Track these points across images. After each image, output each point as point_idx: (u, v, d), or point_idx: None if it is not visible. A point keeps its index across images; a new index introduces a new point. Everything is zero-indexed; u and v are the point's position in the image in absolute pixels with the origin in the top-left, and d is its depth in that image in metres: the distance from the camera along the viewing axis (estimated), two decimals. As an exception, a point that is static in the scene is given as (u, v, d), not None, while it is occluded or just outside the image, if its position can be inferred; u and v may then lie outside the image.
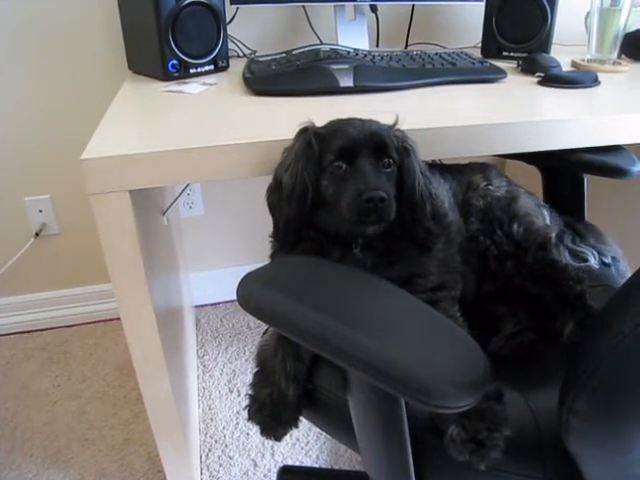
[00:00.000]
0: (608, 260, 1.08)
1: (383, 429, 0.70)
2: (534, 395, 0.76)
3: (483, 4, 1.46)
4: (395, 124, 0.85)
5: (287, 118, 0.93)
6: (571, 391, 0.58)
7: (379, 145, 0.79)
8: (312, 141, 0.80)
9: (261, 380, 0.87)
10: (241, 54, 1.54)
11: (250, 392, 0.89)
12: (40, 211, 1.78)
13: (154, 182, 0.84)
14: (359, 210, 0.74)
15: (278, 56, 1.28)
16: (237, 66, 1.34)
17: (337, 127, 0.81)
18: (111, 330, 1.93)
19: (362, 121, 0.81)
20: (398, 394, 0.56)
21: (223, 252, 1.99)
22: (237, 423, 1.55)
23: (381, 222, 0.78)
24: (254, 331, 1.91)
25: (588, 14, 1.44)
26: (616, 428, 0.56)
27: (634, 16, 1.39)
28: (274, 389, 0.84)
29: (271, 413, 0.84)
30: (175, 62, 1.28)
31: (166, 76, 1.28)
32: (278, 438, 0.86)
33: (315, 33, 1.57)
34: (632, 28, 1.44)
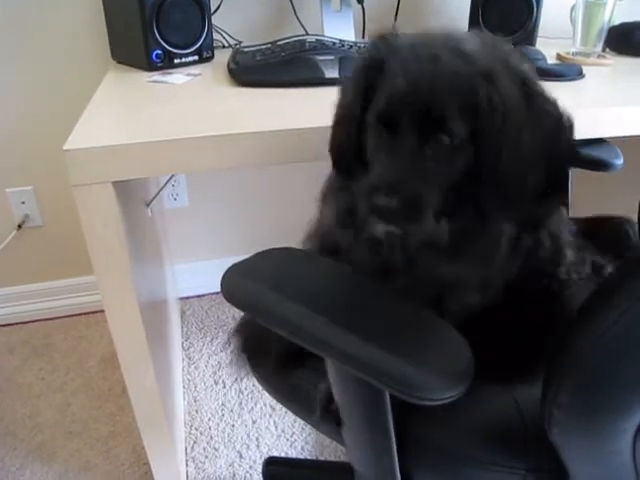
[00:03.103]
0: None
1: (367, 422, 0.70)
2: (520, 389, 0.77)
3: (469, -4, 1.46)
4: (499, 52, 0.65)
5: (272, 109, 0.92)
6: (554, 384, 0.59)
7: (432, 114, 0.60)
8: (360, 79, 0.67)
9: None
10: (226, 44, 1.53)
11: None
12: (23, 203, 1.76)
13: (138, 173, 0.83)
14: (367, 208, 0.62)
15: (263, 47, 1.27)
16: (222, 57, 1.33)
17: (403, 57, 0.64)
18: (95, 322, 1.91)
19: (443, 47, 0.62)
20: (381, 386, 0.56)
21: (208, 244, 1.98)
22: (222, 415, 1.54)
23: (401, 226, 0.64)
24: (239, 323, 1.90)
25: (573, 7, 1.44)
26: (599, 419, 0.57)
27: (618, 10, 1.40)
28: None
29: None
30: (159, 52, 1.26)
31: (150, 66, 1.26)
32: None
33: (301, 24, 1.56)
34: (616, 22, 1.45)
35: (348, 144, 0.70)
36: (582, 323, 0.57)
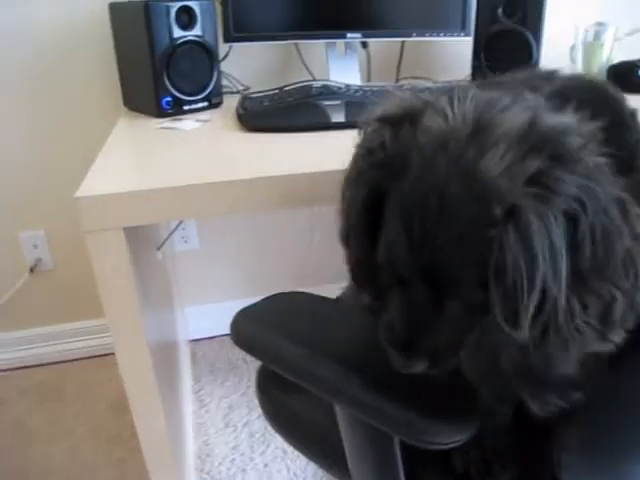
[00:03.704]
0: None
1: (377, 469, 0.70)
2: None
3: (471, 39, 1.49)
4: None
5: (280, 154, 0.94)
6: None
7: (442, 283, 0.51)
8: (366, 196, 0.55)
9: None
10: (234, 90, 1.56)
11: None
12: (35, 246, 1.78)
13: (149, 219, 0.85)
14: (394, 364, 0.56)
15: (271, 92, 1.30)
16: (231, 102, 1.36)
17: (407, 192, 0.51)
18: (105, 366, 1.91)
19: (454, 169, 0.48)
20: (390, 431, 0.56)
21: (218, 286, 1.99)
22: (233, 459, 1.53)
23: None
24: (250, 365, 1.89)
25: (573, 47, 1.47)
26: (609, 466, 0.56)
27: (617, 48, 1.43)
28: None
29: None
30: (169, 99, 1.30)
31: (160, 113, 1.30)
32: None
33: (307, 69, 1.60)
34: (615, 60, 1.48)
35: (365, 257, 0.59)
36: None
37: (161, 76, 1.27)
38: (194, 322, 2.00)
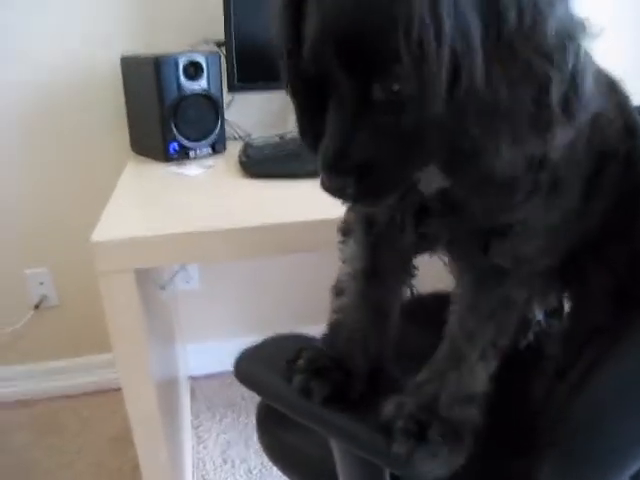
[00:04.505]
0: None
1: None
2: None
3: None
4: None
5: (281, 201, 1.01)
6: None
7: (360, 58, 0.47)
8: (284, 22, 0.53)
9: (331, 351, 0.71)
10: (237, 136, 1.64)
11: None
12: (41, 283, 1.83)
13: (158, 262, 0.91)
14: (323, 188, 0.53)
15: (272, 140, 1.38)
16: (234, 148, 1.43)
17: None
18: (106, 401, 1.93)
19: None
20: (380, 464, 0.60)
21: (218, 325, 2.03)
22: (231, 494, 1.55)
23: (364, 205, 0.59)
24: (248, 402, 1.92)
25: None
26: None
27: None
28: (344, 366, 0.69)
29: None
30: (176, 145, 1.37)
31: (167, 158, 1.37)
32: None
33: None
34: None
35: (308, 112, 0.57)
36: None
37: (169, 124, 1.35)
38: (194, 359, 2.03)
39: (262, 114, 1.71)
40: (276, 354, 0.72)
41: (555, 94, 0.45)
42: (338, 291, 0.77)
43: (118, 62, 1.47)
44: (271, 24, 0.55)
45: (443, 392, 0.65)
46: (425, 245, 0.69)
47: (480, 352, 0.65)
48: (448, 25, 0.42)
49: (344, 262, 0.77)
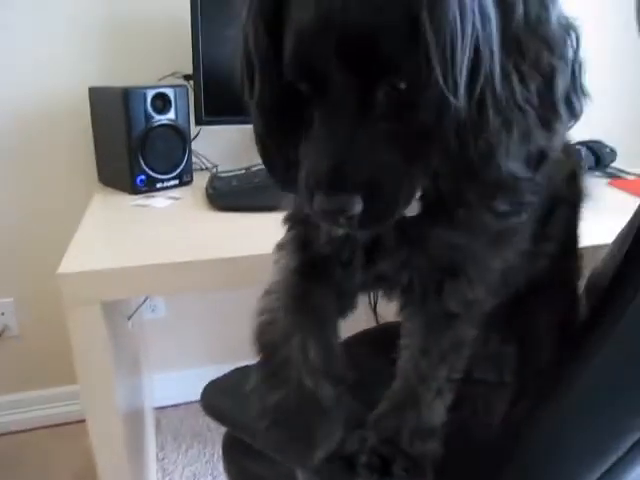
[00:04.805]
0: None
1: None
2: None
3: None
4: None
5: (247, 234, 1.03)
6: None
7: (366, 54, 0.42)
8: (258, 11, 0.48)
9: (269, 376, 0.64)
10: (204, 167, 1.66)
11: (257, 398, 0.65)
12: (2, 314, 1.81)
13: (124, 294, 0.92)
14: (314, 214, 0.47)
15: (239, 172, 1.40)
16: (201, 179, 1.45)
17: None
18: (68, 435, 1.90)
19: None
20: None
21: (184, 354, 2.02)
22: (196, 527, 1.54)
23: (365, 229, 0.51)
24: (214, 432, 1.91)
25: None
26: None
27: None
28: (292, 389, 0.62)
29: (292, 427, 0.62)
30: (143, 177, 1.38)
31: (134, 190, 1.38)
32: (311, 463, 0.62)
33: (273, 148, 1.70)
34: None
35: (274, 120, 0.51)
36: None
37: (136, 156, 1.36)
38: (159, 389, 2.02)
39: (229, 146, 1.74)
40: (242, 385, 0.73)
41: (560, 86, 0.45)
42: (268, 294, 0.73)
43: (86, 93, 1.48)
44: (242, 35, 0.51)
45: (403, 427, 0.67)
46: (373, 287, 0.68)
47: (435, 391, 0.67)
48: (471, 22, 0.40)
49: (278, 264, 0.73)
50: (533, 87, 0.44)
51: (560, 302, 0.74)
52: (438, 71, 0.40)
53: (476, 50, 0.41)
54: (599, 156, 1.71)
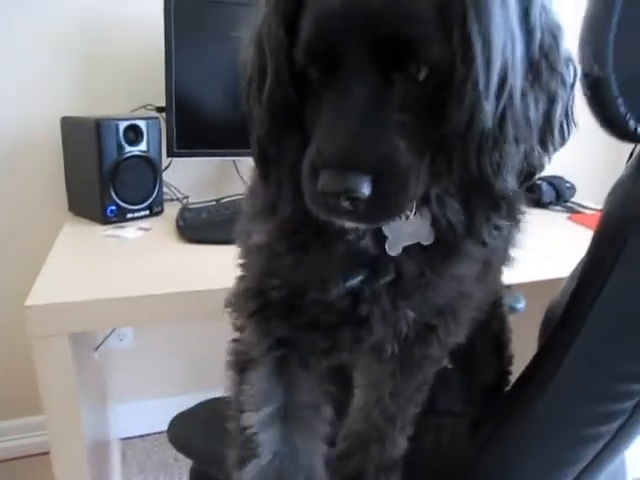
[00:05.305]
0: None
1: None
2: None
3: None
4: None
5: (216, 266, 1.04)
6: None
7: (391, 33, 0.42)
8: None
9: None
10: (175, 197, 1.67)
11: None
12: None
13: (92, 326, 0.93)
14: (315, 200, 0.45)
15: (209, 204, 1.42)
16: (171, 210, 1.47)
17: None
18: (33, 466, 1.86)
19: None
20: None
21: (151, 384, 2.00)
22: None
23: (371, 222, 0.48)
24: (181, 463, 1.89)
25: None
26: None
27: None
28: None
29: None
30: (114, 208, 1.39)
31: (105, 220, 1.39)
32: None
33: (243, 181, 1.72)
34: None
35: (277, 129, 0.51)
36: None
37: (107, 187, 1.37)
38: (125, 420, 1.99)
39: (200, 177, 1.76)
40: (209, 418, 0.74)
41: (558, 111, 0.47)
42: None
43: (58, 122, 1.49)
44: (254, 36, 0.51)
45: (368, 464, 0.69)
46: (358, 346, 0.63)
47: (400, 427, 0.70)
48: (505, 30, 0.42)
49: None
50: (541, 108, 0.46)
51: (492, 326, 0.78)
52: (480, 73, 0.41)
53: (504, 65, 0.42)
54: (559, 191, 1.78)
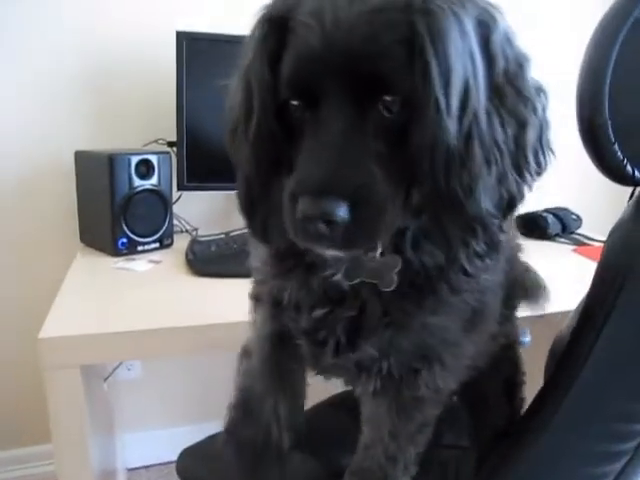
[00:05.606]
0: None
1: None
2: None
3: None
4: None
5: (225, 300, 1.06)
6: None
7: (364, 70, 0.46)
8: (267, 34, 0.51)
9: (244, 415, 0.72)
10: (184, 230, 1.70)
11: (228, 425, 0.73)
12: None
13: (103, 359, 0.95)
14: (295, 227, 0.48)
15: (218, 237, 1.44)
16: (181, 242, 1.49)
17: (312, 3, 0.48)
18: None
19: None
20: None
21: (159, 414, 1.99)
22: None
23: (347, 248, 0.49)
24: (186, 494, 1.88)
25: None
26: None
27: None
28: (261, 433, 0.69)
29: (254, 460, 0.69)
30: (125, 240, 1.42)
31: (116, 252, 1.41)
32: None
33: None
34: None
35: (261, 169, 0.53)
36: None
37: (119, 219, 1.40)
38: (132, 450, 1.98)
39: (209, 210, 1.79)
40: (218, 452, 0.75)
41: (531, 136, 0.49)
42: (246, 354, 0.77)
43: (71, 156, 1.52)
44: (240, 78, 0.54)
45: None
46: (342, 371, 0.69)
47: (403, 467, 0.71)
48: (461, 58, 0.45)
49: (253, 325, 0.76)
50: (510, 132, 0.48)
51: (503, 369, 0.79)
52: (439, 93, 0.44)
53: (465, 87, 0.45)
54: (565, 223, 1.79)
